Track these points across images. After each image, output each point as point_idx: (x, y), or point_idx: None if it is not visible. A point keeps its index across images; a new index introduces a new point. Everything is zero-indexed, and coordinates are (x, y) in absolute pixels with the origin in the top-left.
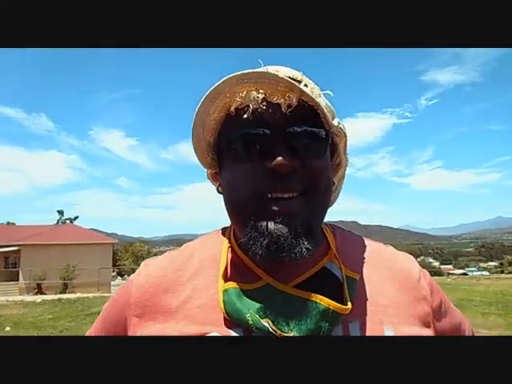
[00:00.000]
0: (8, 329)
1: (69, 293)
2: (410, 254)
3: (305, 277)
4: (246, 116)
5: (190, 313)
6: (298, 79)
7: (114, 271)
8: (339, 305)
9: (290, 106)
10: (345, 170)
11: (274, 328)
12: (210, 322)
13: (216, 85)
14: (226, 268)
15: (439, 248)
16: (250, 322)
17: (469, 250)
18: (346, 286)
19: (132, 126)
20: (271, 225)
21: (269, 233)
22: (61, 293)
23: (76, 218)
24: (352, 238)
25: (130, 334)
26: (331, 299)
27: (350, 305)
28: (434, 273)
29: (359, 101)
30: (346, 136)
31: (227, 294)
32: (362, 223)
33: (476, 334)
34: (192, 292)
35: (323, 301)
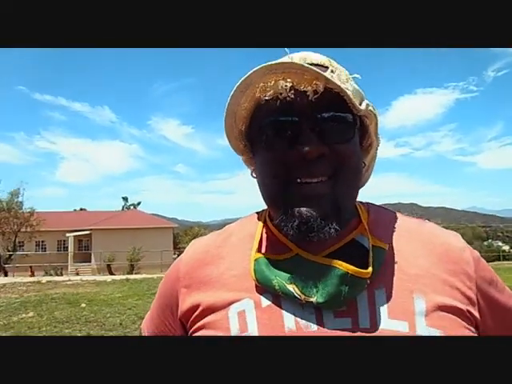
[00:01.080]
0: (83, 305)
1: (135, 273)
2: (476, 237)
3: (334, 248)
4: (274, 105)
5: (226, 281)
6: (325, 65)
7: (175, 253)
8: (358, 269)
9: (316, 92)
10: (376, 150)
11: (299, 293)
12: (244, 289)
13: (246, 76)
14: (261, 242)
15: (509, 231)
16: (277, 287)
17: None
18: (373, 254)
19: (187, 114)
20: (301, 208)
21: (299, 215)
22: (128, 273)
23: (139, 203)
24: (387, 214)
25: (180, 303)
26: (355, 266)
27: (370, 269)
28: (504, 257)
29: (418, 76)
30: (376, 117)
31: (257, 263)
32: (424, 205)
33: None
34: (229, 264)
35: (342, 265)
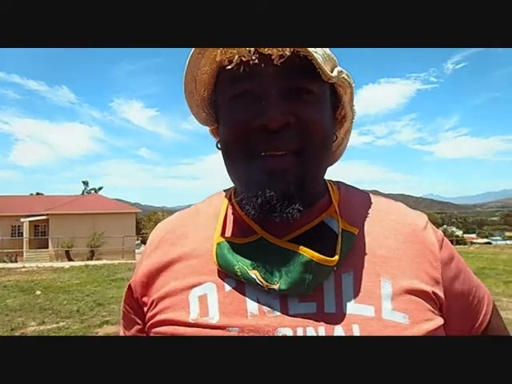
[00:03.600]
0: (38, 292)
1: (95, 260)
2: (432, 223)
3: (301, 231)
4: (238, 69)
5: (190, 263)
6: None
7: (137, 239)
8: (323, 256)
9: (282, 56)
10: (351, 123)
11: (261, 279)
12: (207, 271)
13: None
14: (225, 223)
15: (463, 217)
16: (239, 274)
17: (494, 218)
18: (341, 240)
19: (152, 96)
20: (264, 184)
21: (262, 193)
22: (88, 259)
23: (100, 188)
24: (358, 194)
25: (142, 285)
26: (322, 252)
27: (337, 257)
28: (457, 241)
29: (382, 66)
30: (351, 87)
31: (220, 247)
32: (384, 192)
33: (496, 303)
34: (193, 244)
35: (306, 252)
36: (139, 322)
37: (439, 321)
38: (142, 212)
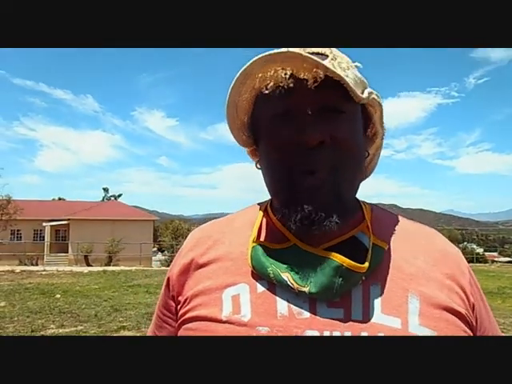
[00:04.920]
0: (58, 296)
1: (113, 265)
2: (452, 239)
3: (333, 243)
4: (275, 94)
5: (224, 264)
6: (326, 54)
7: (154, 247)
8: (353, 262)
9: (316, 80)
10: (382, 139)
11: (292, 281)
12: (241, 273)
13: (245, 67)
14: (260, 230)
15: (484, 234)
16: (271, 275)
17: None
18: (371, 252)
19: (172, 106)
20: (303, 201)
21: (301, 209)
22: (106, 265)
23: (120, 195)
24: (390, 216)
25: (178, 284)
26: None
27: (366, 264)
28: (477, 259)
29: (402, 79)
30: (381, 105)
31: (255, 249)
32: (403, 207)
33: None
34: (229, 248)
35: (337, 257)
36: (172, 320)
37: None
38: (159, 220)
